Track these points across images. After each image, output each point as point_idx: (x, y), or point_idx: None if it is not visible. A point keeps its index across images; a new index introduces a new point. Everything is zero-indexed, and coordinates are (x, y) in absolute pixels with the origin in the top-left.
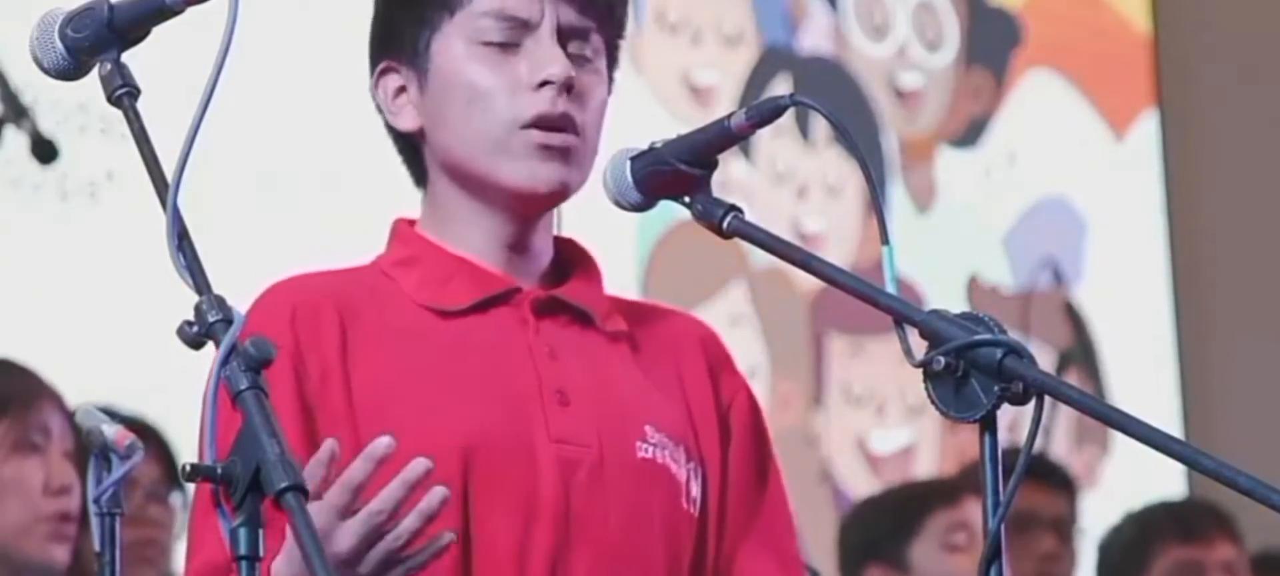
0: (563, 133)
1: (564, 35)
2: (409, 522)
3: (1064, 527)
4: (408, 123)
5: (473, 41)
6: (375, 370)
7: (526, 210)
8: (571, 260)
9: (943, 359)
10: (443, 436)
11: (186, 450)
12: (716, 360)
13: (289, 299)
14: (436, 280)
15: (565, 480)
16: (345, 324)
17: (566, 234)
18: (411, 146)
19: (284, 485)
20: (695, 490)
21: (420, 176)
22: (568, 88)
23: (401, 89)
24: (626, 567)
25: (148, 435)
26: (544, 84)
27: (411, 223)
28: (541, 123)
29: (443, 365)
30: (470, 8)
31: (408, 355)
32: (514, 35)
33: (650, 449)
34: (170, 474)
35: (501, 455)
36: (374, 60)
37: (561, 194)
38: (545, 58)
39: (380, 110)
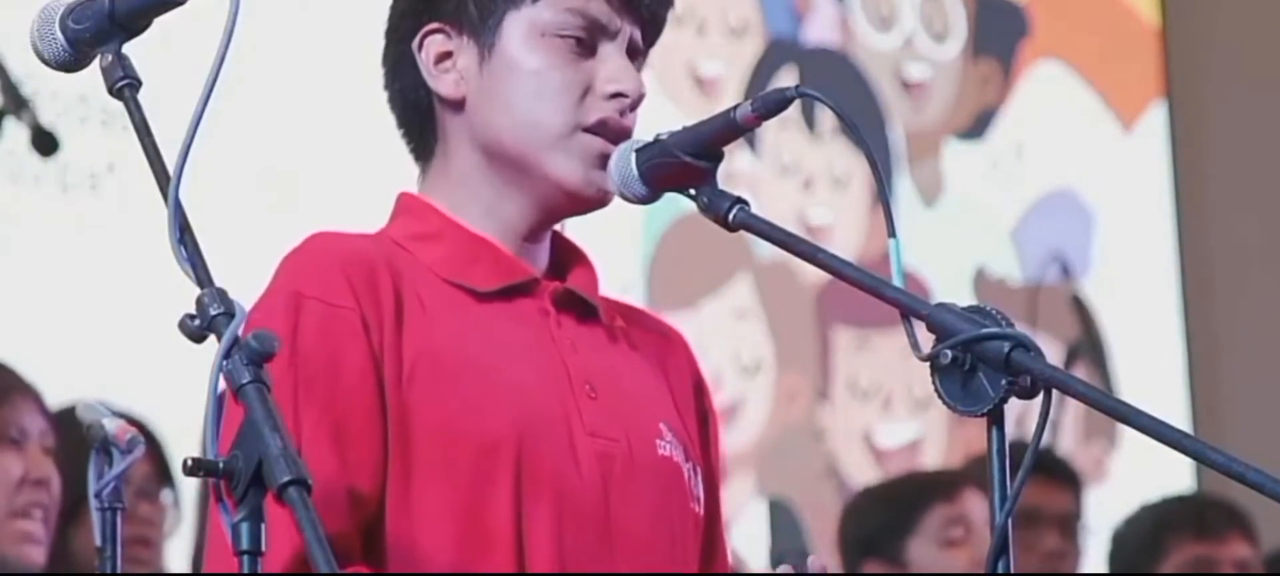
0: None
1: (630, 53)
2: None
3: (1069, 524)
4: (449, 90)
5: (549, 31)
6: (424, 343)
7: (564, 207)
8: (567, 254)
9: (950, 352)
10: (497, 424)
11: (183, 445)
12: (698, 372)
13: (338, 253)
14: (462, 258)
15: (604, 474)
16: (398, 289)
17: (570, 227)
18: (425, 115)
19: (286, 479)
20: (698, 490)
21: (427, 149)
22: (635, 106)
23: (447, 54)
24: (655, 566)
25: (139, 431)
26: (617, 95)
27: (417, 196)
28: (603, 128)
29: (487, 350)
30: None
31: (452, 333)
32: (590, 36)
33: (667, 447)
34: (161, 471)
35: (546, 446)
36: (416, 17)
37: (604, 202)
38: (623, 70)
39: (392, 73)
